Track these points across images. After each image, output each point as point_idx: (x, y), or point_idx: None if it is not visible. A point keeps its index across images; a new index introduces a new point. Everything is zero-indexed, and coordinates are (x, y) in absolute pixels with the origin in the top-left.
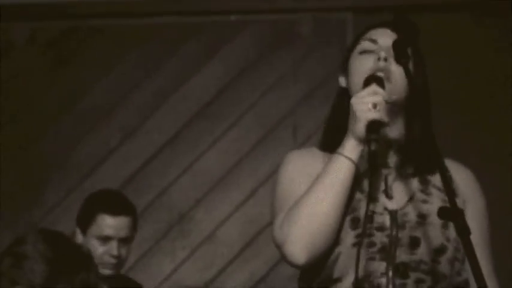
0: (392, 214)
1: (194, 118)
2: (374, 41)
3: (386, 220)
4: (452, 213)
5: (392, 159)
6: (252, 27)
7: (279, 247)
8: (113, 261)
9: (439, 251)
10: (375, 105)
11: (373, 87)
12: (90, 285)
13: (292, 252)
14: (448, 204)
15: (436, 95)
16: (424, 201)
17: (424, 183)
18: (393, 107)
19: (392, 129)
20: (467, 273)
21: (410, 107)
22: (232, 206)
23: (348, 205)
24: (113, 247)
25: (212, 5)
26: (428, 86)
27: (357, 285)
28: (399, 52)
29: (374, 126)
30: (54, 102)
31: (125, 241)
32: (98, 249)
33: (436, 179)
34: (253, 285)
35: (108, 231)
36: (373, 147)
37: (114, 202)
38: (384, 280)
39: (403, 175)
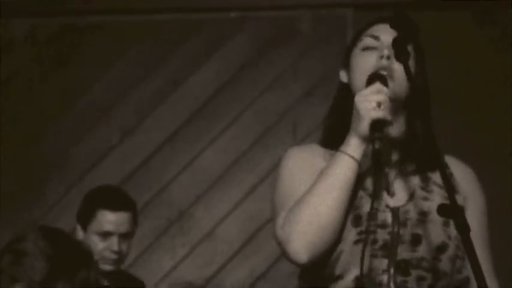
0: (394, 211)
1: (194, 115)
2: (376, 38)
3: (388, 217)
4: (452, 211)
5: (393, 157)
6: (252, 24)
7: (281, 245)
8: (114, 256)
9: (440, 248)
10: (379, 104)
11: (377, 85)
12: (91, 282)
13: (294, 251)
14: (448, 202)
15: (436, 94)
16: (425, 199)
17: (425, 180)
18: (394, 105)
19: (393, 126)
20: (468, 271)
21: (410, 104)
22: (232, 203)
23: (350, 203)
24: (114, 243)
25: (212, 2)
26: (428, 83)
27: (360, 283)
28: (399, 50)
29: (378, 125)
30: (54, 99)
31: (125, 237)
32: (99, 245)
33: (437, 177)
34: (253, 282)
35: (108, 227)
36: (377, 146)
37: (114, 198)
38: (385, 277)
39: (403, 172)
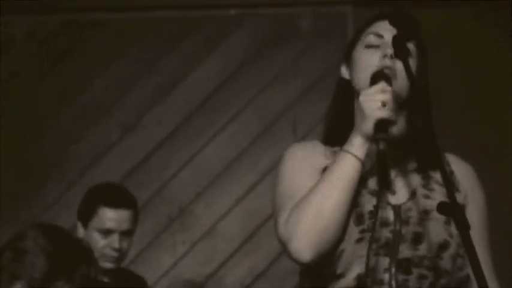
0: (396, 209)
1: (194, 112)
2: (380, 36)
3: (390, 215)
4: (452, 209)
5: (395, 155)
6: (252, 21)
7: (284, 244)
8: (115, 254)
9: (442, 247)
10: (384, 104)
11: (382, 85)
12: (90, 279)
13: (297, 250)
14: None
15: (436, 92)
16: (427, 197)
17: (426, 178)
18: (396, 103)
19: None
20: (469, 269)
21: (411, 102)
22: (232, 200)
23: (353, 201)
24: (115, 240)
25: None
26: (428, 81)
27: (364, 282)
28: (398, 47)
29: (383, 125)
30: (54, 97)
31: (126, 234)
32: (99, 242)
33: (438, 175)
34: (253, 279)
35: (109, 224)
36: (381, 146)
37: (115, 195)
38: (386, 276)
39: (405, 171)
